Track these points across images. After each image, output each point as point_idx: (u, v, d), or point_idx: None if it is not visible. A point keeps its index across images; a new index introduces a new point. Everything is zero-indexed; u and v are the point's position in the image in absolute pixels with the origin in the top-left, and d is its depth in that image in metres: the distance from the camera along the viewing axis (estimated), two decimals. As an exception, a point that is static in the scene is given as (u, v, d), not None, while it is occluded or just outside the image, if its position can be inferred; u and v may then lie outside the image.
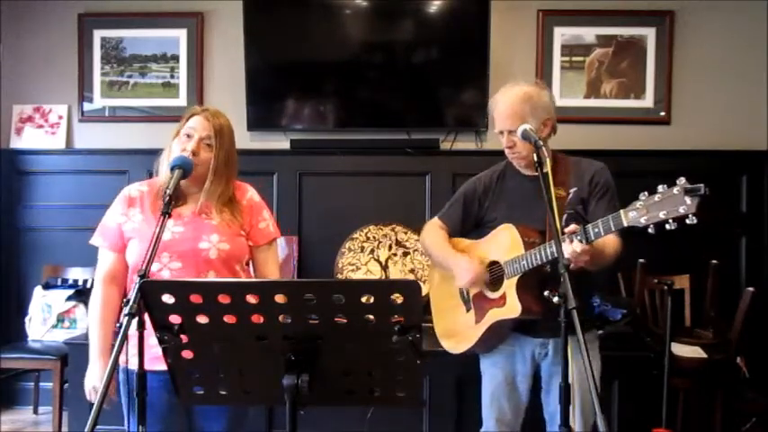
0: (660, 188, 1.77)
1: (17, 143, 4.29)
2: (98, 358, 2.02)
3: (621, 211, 1.86)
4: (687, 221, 1.71)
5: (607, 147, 4.01)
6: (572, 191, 2.24)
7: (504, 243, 2.26)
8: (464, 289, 2.40)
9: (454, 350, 2.43)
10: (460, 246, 2.44)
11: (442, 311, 2.52)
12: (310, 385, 1.47)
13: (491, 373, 2.37)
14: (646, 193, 1.80)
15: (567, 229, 1.99)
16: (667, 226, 1.75)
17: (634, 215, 1.82)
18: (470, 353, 2.40)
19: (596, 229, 1.94)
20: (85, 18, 4.23)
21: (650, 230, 1.78)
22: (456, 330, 2.43)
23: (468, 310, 2.39)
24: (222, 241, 2.05)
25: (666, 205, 1.74)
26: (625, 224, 1.85)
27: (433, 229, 2.50)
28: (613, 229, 1.90)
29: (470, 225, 2.45)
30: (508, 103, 2.25)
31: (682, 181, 1.72)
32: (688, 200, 1.70)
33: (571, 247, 1.95)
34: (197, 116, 2.07)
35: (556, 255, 1.87)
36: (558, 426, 1.83)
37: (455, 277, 2.36)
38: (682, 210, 1.71)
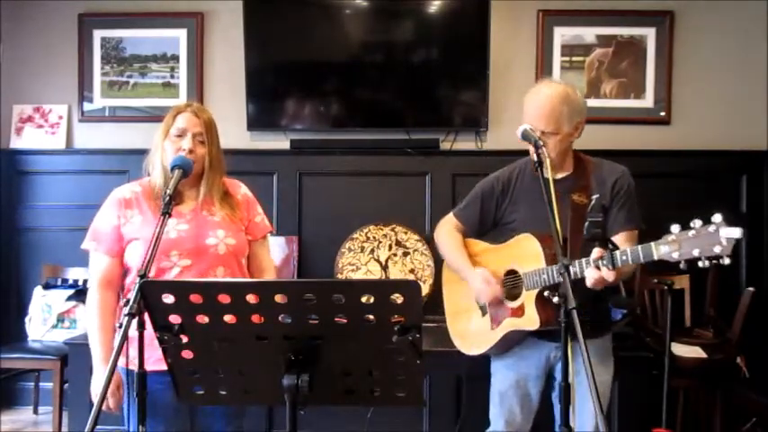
0: (694, 223, 1.70)
1: (17, 143, 4.29)
2: (101, 364, 2.01)
3: (653, 243, 1.79)
4: (720, 262, 1.64)
5: (607, 147, 3.99)
6: (594, 197, 2.14)
7: (524, 253, 2.19)
8: None
9: (467, 351, 2.42)
10: (476, 249, 2.39)
11: (457, 312, 2.50)
12: (310, 385, 1.47)
13: (502, 373, 2.34)
14: (678, 226, 1.71)
15: (592, 256, 1.93)
16: (700, 263, 1.68)
17: (666, 249, 1.75)
18: (484, 355, 2.39)
19: (624, 257, 1.88)
20: (85, 18, 4.23)
21: (681, 266, 1.73)
22: (470, 333, 2.41)
23: (483, 315, 2.36)
24: (228, 236, 2.08)
25: (701, 243, 1.67)
26: (655, 257, 1.78)
27: (449, 228, 2.43)
28: (642, 261, 1.83)
29: (488, 225, 2.39)
30: (547, 102, 2.13)
31: (718, 219, 1.66)
32: (724, 241, 1.63)
33: (598, 273, 1.91)
34: (184, 114, 2.08)
35: (579, 276, 1.92)
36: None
37: (472, 290, 2.34)
38: (716, 250, 1.64)
